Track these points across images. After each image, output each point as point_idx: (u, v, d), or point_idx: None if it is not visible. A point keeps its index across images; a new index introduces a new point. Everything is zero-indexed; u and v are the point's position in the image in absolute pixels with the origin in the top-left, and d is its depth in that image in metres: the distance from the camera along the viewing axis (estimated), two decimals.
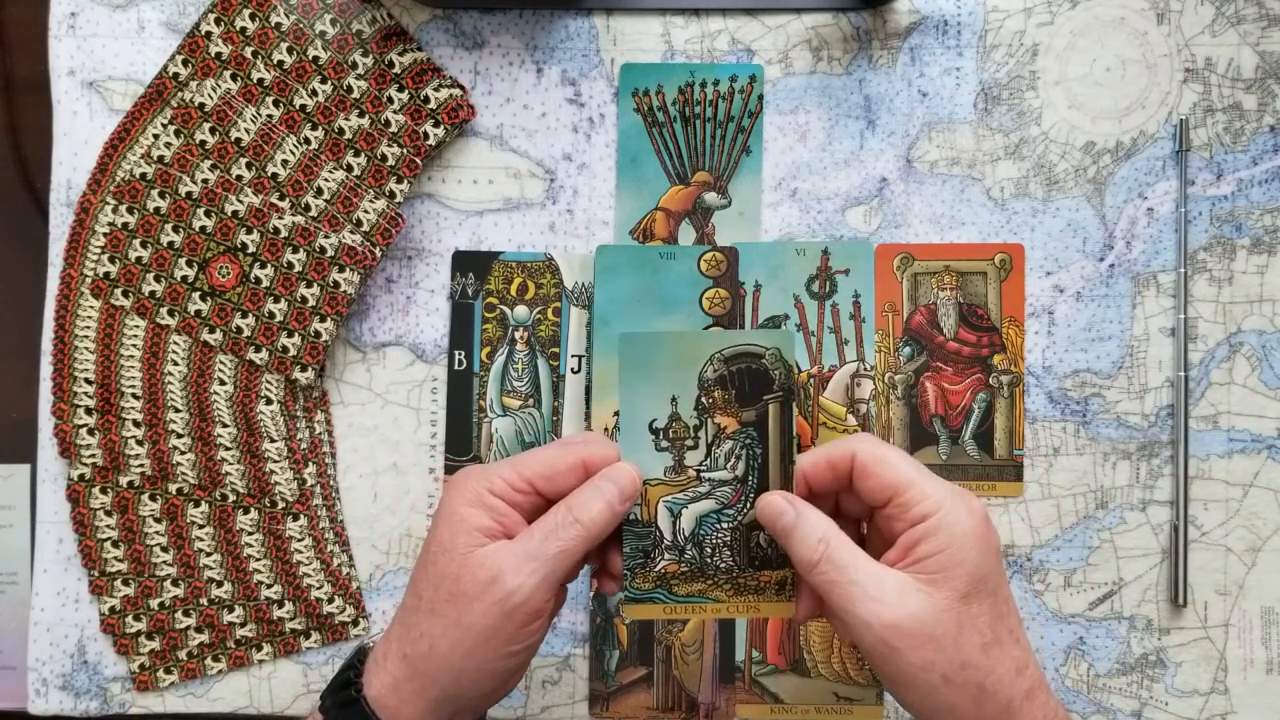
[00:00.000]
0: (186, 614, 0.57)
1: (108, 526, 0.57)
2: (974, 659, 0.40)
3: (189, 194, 0.56)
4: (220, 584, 0.57)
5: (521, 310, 0.58)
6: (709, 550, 0.47)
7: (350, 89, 0.57)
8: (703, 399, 0.47)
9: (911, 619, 0.40)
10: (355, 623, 0.57)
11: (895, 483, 0.42)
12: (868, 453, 0.43)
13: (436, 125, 0.57)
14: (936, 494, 0.42)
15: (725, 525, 0.47)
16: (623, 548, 0.46)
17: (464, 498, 0.44)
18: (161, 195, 0.56)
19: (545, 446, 0.46)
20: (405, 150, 0.57)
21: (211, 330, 0.56)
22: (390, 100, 0.57)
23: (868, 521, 0.46)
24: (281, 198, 0.56)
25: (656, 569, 0.47)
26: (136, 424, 0.57)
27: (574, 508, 0.43)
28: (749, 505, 0.47)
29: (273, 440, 0.56)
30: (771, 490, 0.46)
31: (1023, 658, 0.41)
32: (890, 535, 0.43)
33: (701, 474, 0.47)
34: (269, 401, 0.57)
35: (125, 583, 0.57)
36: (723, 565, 0.47)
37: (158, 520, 0.57)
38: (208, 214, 0.56)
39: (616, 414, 0.57)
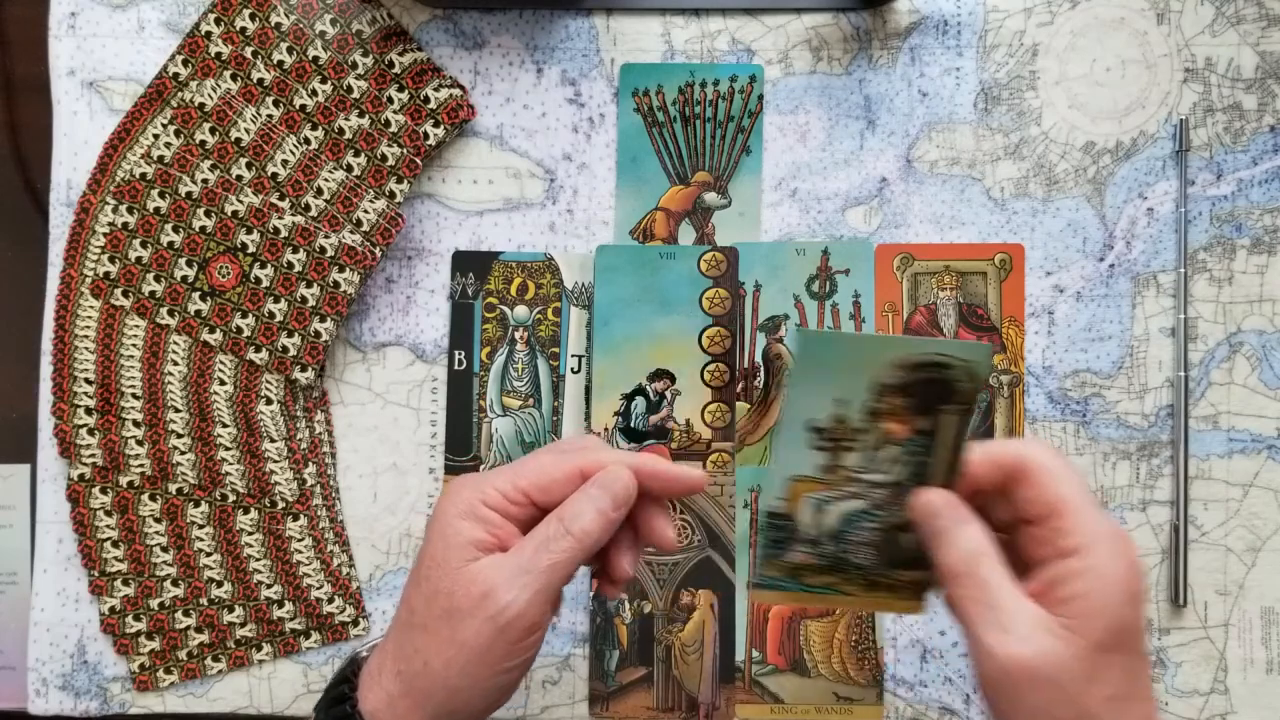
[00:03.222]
0: (186, 614, 0.57)
1: (108, 526, 0.57)
2: (1094, 710, 0.38)
3: (189, 194, 0.56)
4: (220, 584, 0.57)
5: (521, 310, 0.58)
6: (849, 547, 0.45)
7: (350, 89, 0.57)
8: (874, 403, 0.44)
9: (1040, 659, 0.37)
10: (355, 623, 0.57)
11: (1059, 502, 0.39)
12: (1040, 460, 0.40)
13: (436, 125, 0.57)
14: (1094, 530, 0.39)
15: (872, 525, 0.45)
16: (758, 538, 0.45)
17: (457, 509, 0.42)
18: (161, 195, 0.56)
19: (541, 452, 0.45)
20: (405, 150, 0.57)
21: (211, 330, 0.56)
22: (390, 100, 0.57)
23: (1005, 535, 0.42)
24: (281, 198, 0.56)
25: (789, 559, 0.45)
26: (136, 424, 0.57)
27: (566, 519, 0.42)
28: (901, 509, 0.44)
29: (273, 440, 0.56)
30: (932, 488, 0.43)
31: (1143, 712, 0.39)
32: (1030, 557, 0.40)
33: (857, 475, 0.45)
34: (269, 401, 0.57)
35: (125, 583, 0.57)
36: (861, 563, 0.45)
37: (158, 520, 0.57)
38: (208, 214, 0.56)
39: (617, 414, 0.57)
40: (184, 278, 0.56)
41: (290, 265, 0.56)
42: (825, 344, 0.44)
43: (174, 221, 0.56)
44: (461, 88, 0.57)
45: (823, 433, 0.44)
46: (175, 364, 0.57)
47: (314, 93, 0.57)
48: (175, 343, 0.57)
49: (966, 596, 0.39)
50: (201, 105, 0.56)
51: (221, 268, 0.56)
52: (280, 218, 0.56)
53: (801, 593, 0.45)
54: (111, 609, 0.57)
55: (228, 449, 0.57)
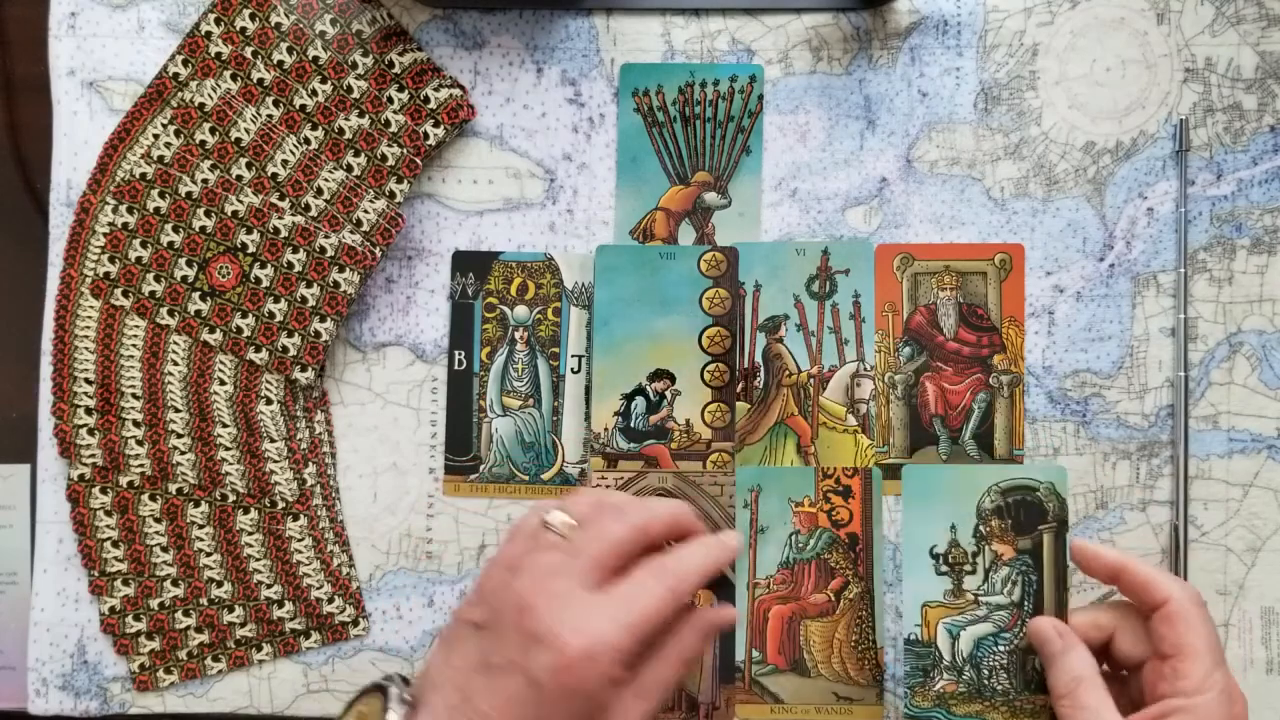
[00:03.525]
0: (186, 614, 0.57)
1: (108, 526, 0.57)
2: None
3: (189, 194, 0.56)
4: (220, 584, 0.57)
5: (521, 310, 0.58)
6: (986, 672, 0.51)
7: (350, 89, 0.57)
8: (980, 527, 0.51)
9: None
10: (355, 623, 0.57)
11: (1187, 648, 0.45)
12: (1184, 605, 0.46)
13: (436, 125, 0.57)
14: (1210, 679, 0.45)
15: (1002, 648, 0.51)
16: (904, 668, 0.52)
17: (611, 677, 0.42)
18: (161, 195, 0.56)
19: (655, 591, 0.44)
20: (405, 150, 0.57)
21: (211, 330, 0.56)
22: (390, 100, 0.57)
23: (1132, 670, 0.49)
24: (281, 198, 0.56)
25: (935, 688, 0.51)
26: (136, 424, 0.57)
27: (685, 658, 0.45)
28: (1024, 631, 0.50)
29: (273, 440, 0.56)
30: (1045, 614, 0.50)
31: None
32: (1152, 690, 0.46)
33: (979, 598, 0.51)
34: (269, 401, 0.57)
35: (125, 583, 0.57)
36: (999, 687, 0.51)
37: (158, 520, 0.57)
38: (208, 214, 0.56)
39: (617, 414, 0.57)
40: (184, 278, 0.56)
41: (290, 265, 0.56)
42: (929, 477, 0.52)
43: (174, 221, 0.56)
44: (461, 88, 0.57)
45: (942, 558, 0.51)
46: (175, 364, 0.57)
47: (314, 93, 0.57)
48: (175, 343, 0.57)
49: (1069, 713, 0.47)
50: (201, 105, 0.56)
51: (221, 268, 0.56)
52: (280, 218, 0.56)
53: None
54: (111, 609, 0.57)
55: (228, 449, 0.57)
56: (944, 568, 0.52)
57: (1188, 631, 0.46)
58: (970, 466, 0.54)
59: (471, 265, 0.58)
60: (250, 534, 0.57)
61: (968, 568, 0.51)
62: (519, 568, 0.44)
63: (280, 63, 0.57)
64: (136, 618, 0.57)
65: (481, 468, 0.57)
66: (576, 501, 0.46)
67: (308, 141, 0.57)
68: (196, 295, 0.56)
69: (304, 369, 0.56)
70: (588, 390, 0.57)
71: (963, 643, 0.51)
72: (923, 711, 0.51)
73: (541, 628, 0.41)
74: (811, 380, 0.57)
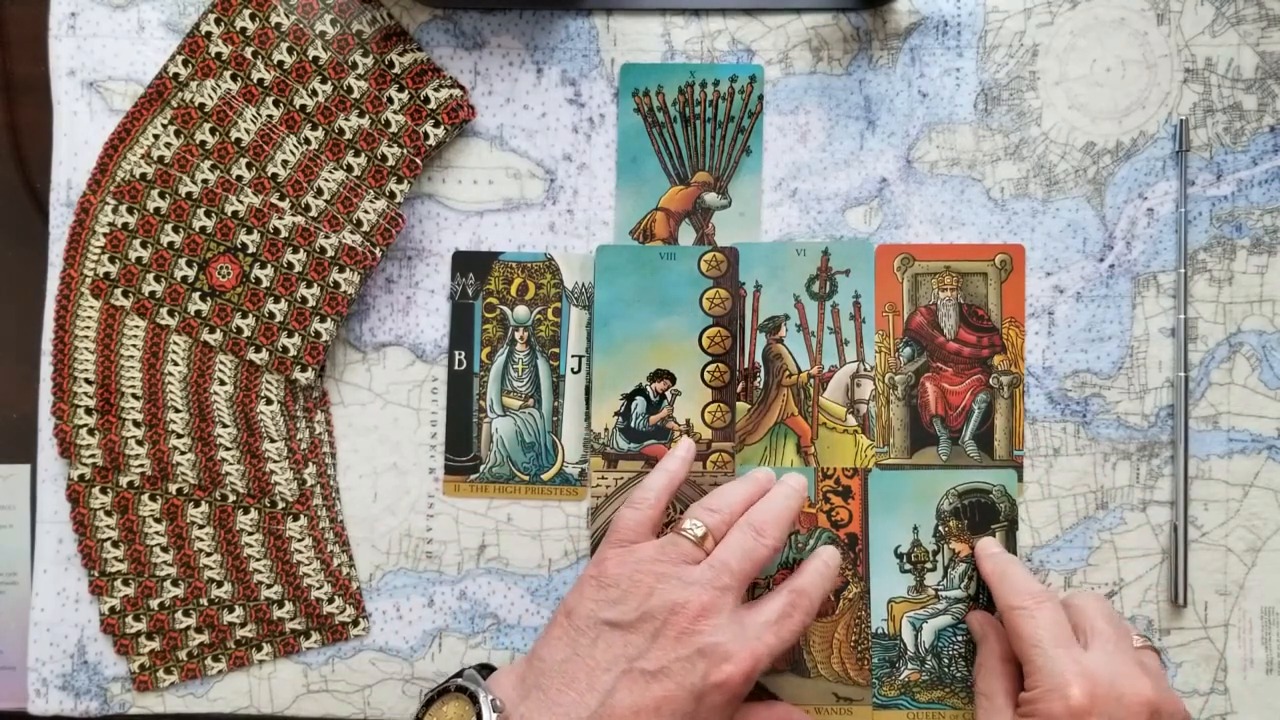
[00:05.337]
0: (186, 614, 0.57)
1: (108, 526, 0.57)
2: None
3: (189, 194, 0.56)
4: (220, 584, 0.57)
5: (521, 310, 0.58)
6: (946, 660, 0.55)
7: (350, 89, 0.57)
8: (940, 527, 0.55)
9: None
10: (355, 623, 0.57)
11: (1029, 648, 0.48)
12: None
13: (436, 125, 0.57)
14: (1050, 675, 0.47)
15: (960, 638, 0.54)
16: (871, 659, 0.55)
17: (747, 682, 0.46)
18: (161, 195, 0.56)
19: (798, 617, 0.49)
20: (405, 150, 0.57)
21: (211, 330, 0.56)
22: (390, 100, 0.57)
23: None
24: (281, 198, 0.56)
25: (901, 678, 0.55)
26: (136, 424, 0.57)
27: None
28: None
29: (273, 440, 0.56)
30: (975, 611, 0.54)
31: None
32: None
33: (939, 592, 0.55)
34: (269, 401, 0.57)
35: (125, 583, 0.57)
36: (959, 674, 0.55)
37: (158, 520, 0.57)
38: (208, 214, 0.56)
39: (617, 414, 0.57)
40: (184, 278, 0.56)
41: (290, 265, 0.56)
42: (893, 481, 0.55)
43: (174, 222, 0.56)
44: (461, 88, 0.57)
45: (906, 557, 0.55)
46: (175, 364, 0.57)
47: (314, 93, 0.57)
48: (175, 343, 0.57)
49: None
50: (201, 105, 0.56)
51: (221, 268, 0.56)
52: (280, 218, 0.56)
53: (916, 709, 0.55)
54: (111, 609, 0.57)
55: (228, 449, 0.57)
56: (908, 566, 0.55)
57: (1015, 640, 0.49)
58: (930, 471, 0.56)
59: (471, 265, 0.58)
60: (250, 534, 0.57)
61: (929, 565, 0.55)
62: (665, 575, 0.47)
63: (280, 63, 0.57)
64: (136, 618, 0.57)
65: (481, 468, 0.57)
66: (708, 511, 0.50)
67: (308, 142, 0.57)
68: (196, 295, 0.56)
69: (304, 369, 0.56)
70: (588, 390, 0.57)
71: (925, 634, 0.54)
72: (890, 700, 0.54)
73: (705, 643, 0.45)
74: (811, 380, 0.57)
